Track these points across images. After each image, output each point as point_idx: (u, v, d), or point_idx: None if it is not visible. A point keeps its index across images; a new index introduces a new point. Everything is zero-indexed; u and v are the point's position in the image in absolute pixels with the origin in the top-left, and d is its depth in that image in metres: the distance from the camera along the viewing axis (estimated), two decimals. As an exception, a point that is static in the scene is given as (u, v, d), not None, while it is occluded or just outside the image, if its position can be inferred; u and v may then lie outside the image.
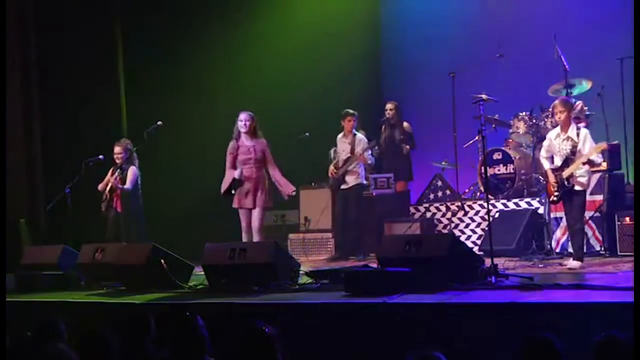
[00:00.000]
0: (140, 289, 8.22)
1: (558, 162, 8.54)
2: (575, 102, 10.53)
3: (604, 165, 9.74)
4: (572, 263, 8.38)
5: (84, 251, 9.41)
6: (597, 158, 8.54)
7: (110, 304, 7.78)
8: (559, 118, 8.54)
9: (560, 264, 8.70)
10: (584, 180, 8.46)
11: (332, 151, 11.46)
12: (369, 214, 11.39)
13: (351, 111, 11.18)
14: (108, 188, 10.38)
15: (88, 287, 8.97)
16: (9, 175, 11.04)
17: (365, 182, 11.26)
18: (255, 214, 9.45)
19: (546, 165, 8.69)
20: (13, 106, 11.76)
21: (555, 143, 8.60)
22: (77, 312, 7.60)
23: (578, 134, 8.43)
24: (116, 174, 10.36)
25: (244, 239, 9.46)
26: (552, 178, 8.52)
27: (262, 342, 4.58)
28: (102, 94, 12.55)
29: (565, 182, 8.40)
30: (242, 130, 9.51)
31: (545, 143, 8.83)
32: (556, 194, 8.50)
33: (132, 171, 10.45)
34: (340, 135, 11.25)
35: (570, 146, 8.43)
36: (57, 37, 12.24)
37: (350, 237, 11.01)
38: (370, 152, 11.22)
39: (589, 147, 8.39)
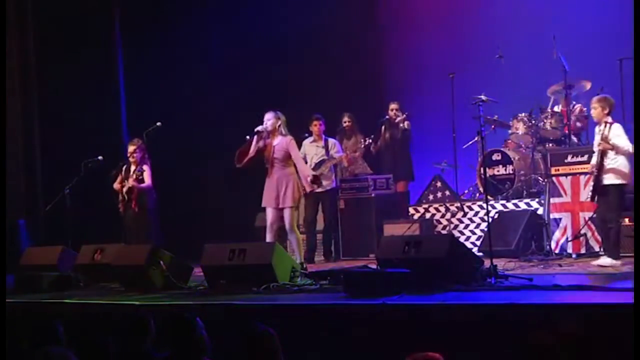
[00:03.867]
0: (140, 289, 8.22)
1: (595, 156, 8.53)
2: (574, 105, 10.57)
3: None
4: (605, 260, 8.35)
5: (83, 252, 9.42)
6: (618, 139, 8.28)
7: (109, 305, 7.78)
8: (592, 114, 8.64)
9: (560, 265, 8.69)
10: (613, 173, 8.30)
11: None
12: (368, 214, 11.39)
13: (317, 115, 11.20)
14: (126, 188, 10.39)
15: (87, 288, 8.97)
16: (8, 176, 11.06)
17: (336, 185, 11.32)
18: (283, 213, 9.39)
19: (592, 161, 8.68)
20: (13, 106, 11.78)
21: (595, 140, 8.64)
22: (76, 313, 7.60)
23: (609, 128, 8.35)
24: (133, 173, 10.36)
25: (267, 238, 9.37)
26: (590, 173, 8.58)
27: (261, 343, 4.58)
28: (102, 94, 12.57)
29: (595, 173, 8.38)
30: (268, 129, 9.45)
31: None
32: (591, 189, 8.50)
33: (147, 170, 10.46)
34: (309, 140, 11.26)
35: (600, 139, 8.39)
36: (56, 37, 12.25)
37: (328, 239, 11.10)
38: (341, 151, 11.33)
39: (615, 137, 8.30)
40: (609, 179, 8.34)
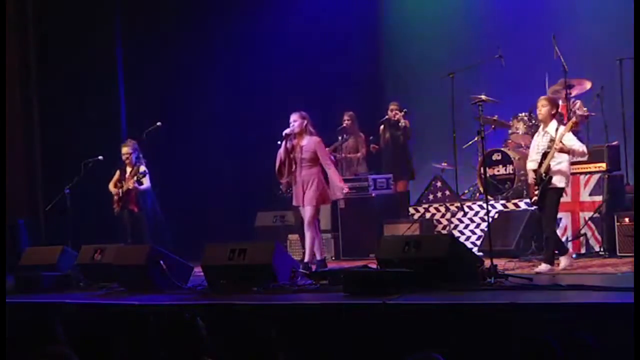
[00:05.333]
0: (140, 290, 8.22)
1: (538, 159, 8.37)
2: (574, 101, 10.59)
3: (603, 166, 9.75)
4: (541, 267, 8.27)
5: (83, 252, 9.41)
6: (571, 141, 8.27)
7: (109, 305, 7.77)
8: (539, 112, 8.45)
9: (558, 265, 8.69)
10: (560, 174, 8.26)
11: None
12: (368, 214, 11.39)
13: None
14: (124, 189, 10.40)
15: (87, 288, 8.97)
16: (8, 176, 11.06)
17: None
18: (305, 211, 9.40)
19: (528, 166, 8.58)
20: (13, 106, 11.77)
21: (536, 142, 8.54)
22: (76, 313, 7.59)
23: (557, 130, 8.28)
24: (134, 175, 10.36)
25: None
26: (531, 176, 8.44)
27: (262, 342, 4.59)
28: (102, 94, 12.56)
29: (543, 176, 8.25)
30: (295, 130, 9.45)
31: (531, 146, 8.79)
32: (536, 192, 8.31)
33: (144, 171, 10.44)
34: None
35: (548, 141, 8.29)
36: (56, 36, 12.25)
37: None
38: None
39: (569, 140, 8.24)
40: (557, 182, 8.26)
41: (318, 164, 9.40)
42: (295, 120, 9.41)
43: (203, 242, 8.58)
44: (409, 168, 12.11)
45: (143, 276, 8.36)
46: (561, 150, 8.19)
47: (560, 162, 8.26)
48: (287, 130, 9.40)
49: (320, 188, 9.33)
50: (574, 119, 8.53)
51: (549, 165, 8.22)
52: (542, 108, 8.40)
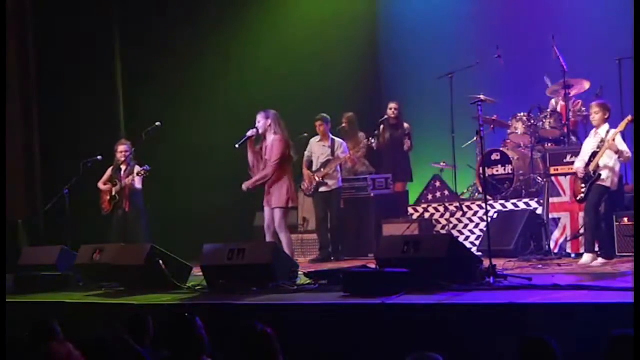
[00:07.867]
0: (139, 289, 8.22)
1: (586, 159, 8.72)
2: (575, 101, 10.63)
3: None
4: (597, 260, 8.62)
5: (82, 252, 9.41)
6: (622, 145, 8.56)
7: (108, 305, 7.78)
8: (594, 118, 8.80)
9: (559, 265, 8.71)
10: (608, 173, 8.57)
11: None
12: (367, 214, 11.39)
13: (323, 115, 11.11)
14: (118, 188, 10.39)
15: (86, 288, 8.97)
16: (8, 176, 11.05)
17: (342, 184, 11.19)
18: (274, 213, 9.38)
19: (575, 165, 8.90)
20: (13, 106, 11.77)
21: (589, 144, 8.85)
22: (76, 313, 7.60)
23: (608, 132, 8.61)
24: (130, 173, 10.35)
25: (267, 238, 9.44)
26: (578, 172, 8.73)
27: (261, 342, 4.58)
28: (102, 94, 12.56)
29: (592, 174, 8.59)
30: (259, 132, 9.41)
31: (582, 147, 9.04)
32: (583, 189, 8.67)
33: (138, 170, 10.43)
34: (316, 140, 11.05)
35: (598, 141, 8.65)
36: (56, 37, 12.25)
37: (334, 239, 10.99)
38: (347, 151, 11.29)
39: (620, 143, 8.56)
40: (604, 179, 8.60)
41: (282, 164, 9.37)
42: (259, 121, 9.37)
43: (203, 242, 8.58)
44: (408, 170, 12.10)
45: (142, 276, 8.37)
46: (611, 149, 8.47)
47: (609, 161, 8.56)
48: (249, 132, 9.34)
49: (285, 189, 9.30)
50: (629, 117, 8.60)
51: (598, 163, 8.54)
52: (596, 115, 8.77)
